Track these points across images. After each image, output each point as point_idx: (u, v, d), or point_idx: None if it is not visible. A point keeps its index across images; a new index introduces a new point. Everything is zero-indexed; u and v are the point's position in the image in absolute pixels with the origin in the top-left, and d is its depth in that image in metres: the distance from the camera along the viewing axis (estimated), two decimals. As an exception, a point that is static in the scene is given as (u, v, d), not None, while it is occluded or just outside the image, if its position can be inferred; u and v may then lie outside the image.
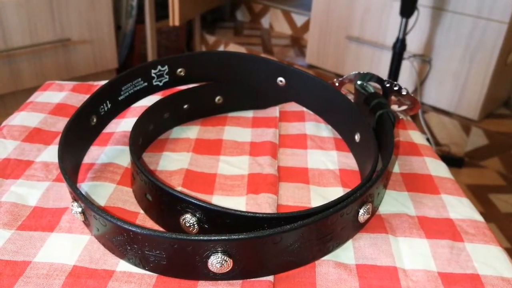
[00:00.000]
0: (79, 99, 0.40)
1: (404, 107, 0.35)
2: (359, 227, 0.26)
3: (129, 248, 0.22)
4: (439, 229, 0.26)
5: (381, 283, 0.23)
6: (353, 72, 0.34)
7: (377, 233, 0.26)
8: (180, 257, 0.21)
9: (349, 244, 0.25)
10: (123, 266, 0.23)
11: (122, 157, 0.32)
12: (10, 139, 0.33)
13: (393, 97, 0.34)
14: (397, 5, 0.82)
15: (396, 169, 0.32)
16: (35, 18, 0.90)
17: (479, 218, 0.28)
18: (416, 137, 0.37)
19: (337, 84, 0.36)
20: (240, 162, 0.32)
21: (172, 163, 0.32)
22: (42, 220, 0.26)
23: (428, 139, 0.82)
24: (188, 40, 1.34)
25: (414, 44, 0.90)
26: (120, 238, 0.22)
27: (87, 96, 0.33)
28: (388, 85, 0.33)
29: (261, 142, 0.35)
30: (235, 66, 0.35)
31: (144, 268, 0.23)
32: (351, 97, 0.36)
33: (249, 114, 0.39)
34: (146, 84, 0.33)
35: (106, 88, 0.31)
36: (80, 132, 0.29)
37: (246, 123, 0.38)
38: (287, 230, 0.21)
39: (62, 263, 0.23)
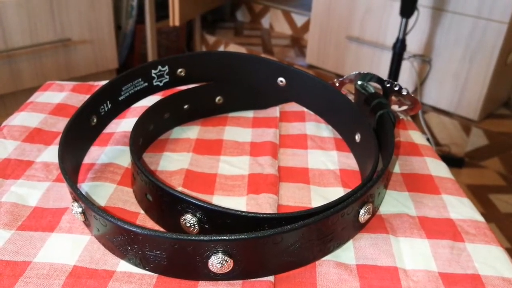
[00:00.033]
0: (79, 99, 0.40)
1: (404, 107, 0.35)
2: (359, 227, 0.26)
3: (129, 248, 0.22)
4: (440, 229, 0.26)
5: (381, 283, 0.22)
6: (354, 72, 0.34)
7: (378, 233, 0.26)
8: (181, 257, 0.21)
9: (349, 244, 0.25)
10: (124, 266, 0.23)
11: (123, 157, 0.32)
12: (11, 139, 0.33)
13: (393, 97, 0.34)
14: (397, 5, 0.82)
15: (397, 169, 0.32)
16: (35, 18, 0.90)
17: (480, 218, 0.27)
18: (417, 137, 0.37)
19: (337, 84, 0.36)
20: (241, 162, 0.32)
21: (172, 163, 0.32)
22: (42, 220, 0.26)
23: (428, 139, 0.82)
24: (188, 40, 1.34)
25: (414, 44, 0.90)
26: (121, 238, 0.22)
27: (88, 96, 0.33)
28: (388, 85, 0.33)
29: (262, 142, 0.35)
30: (235, 66, 0.35)
31: (144, 268, 0.23)
32: (351, 97, 0.36)
33: (250, 114, 0.39)
34: (146, 84, 0.33)
35: (106, 88, 0.31)
36: (80, 132, 0.29)
37: (246, 123, 0.38)
38: (288, 230, 0.21)
39: (62, 263, 0.23)
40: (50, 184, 0.29)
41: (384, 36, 0.95)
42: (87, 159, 0.31)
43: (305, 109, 0.39)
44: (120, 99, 0.32)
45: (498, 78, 0.86)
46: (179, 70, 0.34)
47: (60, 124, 0.36)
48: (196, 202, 0.23)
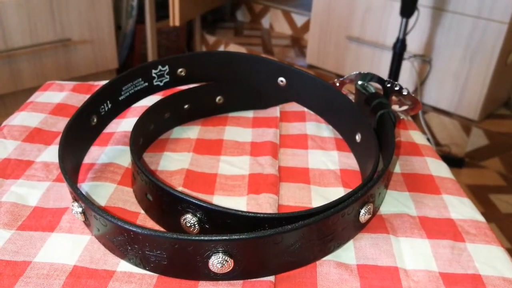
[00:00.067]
0: (79, 99, 0.40)
1: (405, 107, 0.35)
2: (360, 227, 0.26)
3: (129, 248, 0.22)
4: (440, 229, 0.26)
5: (382, 283, 0.22)
6: (354, 72, 0.34)
7: (378, 233, 0.26)
8: (181, 257, 0.21)
9: (350, 244, 0.25)
10: (124, 266, 0.23)
11: (123, 157, 0.32)
12: (11, 139, 0.33)
13: (394, 97, 0.34)
14: (397, 5, 0.82)
15: (397, 169, 0.32)
16: (35, 18, 0.90)
17: (480, 218, 0.27)
18: (417, 137, 0.36)
19: (337, 84, 0.36)
20: (241, 162, 0.32)
21: (172, 163, 0.32)
22: (42, 220, 0.26)
23: (428, 140, 0.82)
24: (188, 40, 1.34)
25: (414, 44, 0.90)
26: (121, 238, 0.22)
27: (88, 96, 0.33)
28: (389, 85, 0.33)
29: (262, 142, 0.35)
30: (235, 66, 0.35)
31: (144, 268, 0.23)
32: (351, 97, 0.36)
33: (250, 114, 0.39)
34: (146, 84, 0.33)
35: (106, 88, 0.31)
36: (80, 132, 0.29)
37: (246, 123, 0.38)
38: (288, 230, 0.21)
39: (62, 263, 0.23)
40: (50, 184, 0.29)
41: (384, 36, 0.95)
42: (87, 159, 0.31)
43: (305, 109, 0.39)
44: (120, 99, 0.32)
45: (498, 78, 0.86)
46: (180, 70, 0.34)
47: (60, 124, 0.36)
48: (197, 202, 0.23)
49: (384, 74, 0.92)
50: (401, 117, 0.36)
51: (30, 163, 0.31)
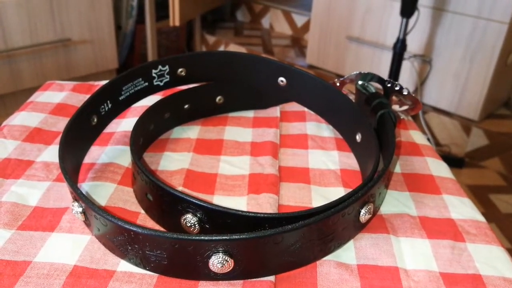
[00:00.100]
0: (79, 99, 0.40)
1: (405, 107, 0.35)
2: (360, 227, 0.26)
3: (130, 248, 0.22)
4: (441, 229, 0.26)
5: (382, 283, 0.22)
6: (354, 72, 0.34)
7: (379, 233, 0.26)
8: (181, 257, 0.21)
9: (350, 244, 0.25)
10: (124, 266, 0.23)
11: (123, 157, 0.32)
12: (11, 139, 0.33)
13: (394, 97, 0.34)
14: (397, 5, 0.82)
15: (398, 169, 0.32)
16: (35, 18, 0.90)
17: (481, 218, 0.27)
18: (417, 137, 0.36)
19: (338, 84, 0.36)
20: (241, 162, 0.32)
21: (173, 163, 0.32)
22: (42, 220, 0.26)
23: (428, 140, 0.82)
24: (188, 40, 1.34)
25: (414, 44, 0.90)
26: (121, 238, 0.22)
27: (88, 96, 0.33)
28: (389, 85, 0.33)
29: (262, 142, 0.35)
30: (235, 66, 0.35)
31: (145, 268, 0.23)
32: (352, 97, 0.36)
33: (250, 114, 0.39)
34: (146, 84, 0.33)
35: (106, 88, 0.31)
36: (80, 132, 0.29)
37: (247, 123, 0.38)
38: (288, 230, 0.21)
39: (62, 263, 0.23)
40: (50, 183, 0.29)
41: (385, 36, 0.95)
42: (87, 159, 0.31)
43: (305, 109, 0.39)
44: (120, 98, 0.32)
45: (498, 78, 0.86)
46: (180, 69, 0.34)
47: (61, 123, 0.36)
48: (197, 202, 0.23)
49: (384, 74, 0.92)
50: (402, 117, 0.36)
51: (30, 163, 0.31)
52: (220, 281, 0.22)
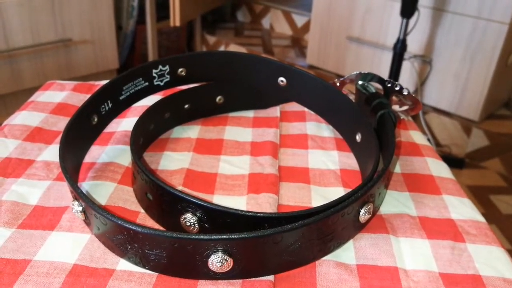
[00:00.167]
0: (80, 99, 0.40)
1: (405, 107, 0.35)
2: (360, 227, 0.26)
3: (129, 247, 0.22)
4: (441, 229, 0.26)
5: (382, 283, 0.22)
6: (354, 72, 0.34)
7: (378, 233, 0.26)
8: (181, 256, 0.21)
9: (350, 244, 0.25)
10: (124, 265, 0.23)
11: (123, 156, 0.32)
12: (12, 138, 0.33)
13: (394, 97, 0.34)
14: (397, 6, 0.82)
15: (397, 169, 0.32)
16: (36, 18, 0.90)
17: (481, 218, 0.27)
18: (417, 137, 0.36)
19: (338, 84, 0.36)
20: (241, 162, 0.32)
21: (173, 162, 0.32)
22: (42, 219, 0.26)
23: (429, 140, 0.82)
24: (188, 41, 1.34)
25: (414, 44, 0.90)
26: (121, 237, 0.22)
27: (88, 96, 0.33)
28: (389, 85, 0.33)
29: (262, 142, 0.35)
30: (236, 66, 0.35)
31: (144, 267, 0.23)
32: (352, 97, 0.36)
33: (250, 114, 0.39)
34: (147, 83, 0.33)
35: (107, 88, 0.31)
36: (81, 132, 0.29)
37: (247, 123, 0.38)
38: (288, 229, 0.21)
39: (62, 262, 0.23)
40: (50, 183, 0.29)
41: (385, 37, 0.95)
42: (87, 158, 0.31)
43: (305, 109, 0.39)
44: (120, 98, 0.32)
45: (498, 78, 0.86)
46: (180, 69, 0.34)
47: (61, 123, 0.36)
48: (196, 201, 0.23)
49: (385, 74, 0.92)
50: (402, 117, 0.36)
51: (30, 162, 0.31)
52: (219, 281, 0.22)
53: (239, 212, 0.23)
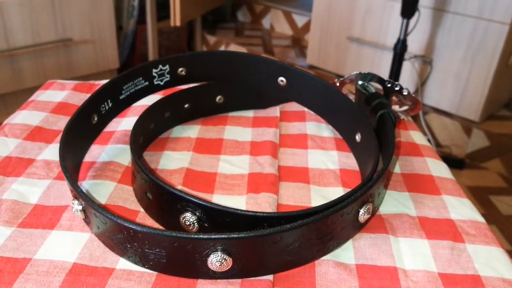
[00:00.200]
0: (80, 98, 0.40)
1: (405, 108, 0.35)
2: (359, 227, 0.26)
3: (129, 246, 0.22)
4: (440, 229, 0.26)
5: (381, 283, 0.22)
6: (354, 72, 0.34)
7: (378, 233, 0.26)
8: (180, 256, 0.21)
9: (349, 244, 0.25)
10: (123, 264, 0.23)
11: (123, 155, 0.32)
12: (12, 138, 0.33)
13: (394, 98, 0.34)
14: (398, 6, 0.82)
15: (397, 169, 0.32)
16: (37, 18, 0.90)
17: (480, 219, 0.27)
18: (417, 137, 0.37)
19: (338, 84, 0.36)
20: (241, 162, 0.32)
21: (172, 162, 0.32)
22: (42, 217, 0.26)
23: (429, 140, 0.82)
24: (189, 41, 1.34)
25: (415, 45, 0.90)
26: (120, 236, 0.22)
27: (88, 95, 0.33)
28: (389, 85, 0.33)
29: (262, 141, 0.35)
30: (236, 65, 0.35)
31: (144, 266, 0.23)
32: (352, 97, 0.36)
33: (250, 113, 0.39)
34: (147, 83, 0.33)
35: (107, 87, 0.31)
36: (81, 131, 0.29)
37: (246, 123, 0.38)
38: (287, 229, 0.21)
39: (62, 261, 0.23)
40: (50, 182, 0.29)
41: (385, 37, 0.95)
42: (87, 157, 0.31)
43: (305, 109, 0.39)
44: (121, 98, 0.32)
45: (499, 79, 0.85)
46: (180, 69, 0.34)
47: (61, 122, 0.36)
48: (196, 200, 0.23)
49: (385, 75, 0.92)
50: (401, 117, 0.36)
51: (31, 161, 0.31)
52: (219, 280, 0.22)
53: (239, 211, 0.23)
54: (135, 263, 0.23)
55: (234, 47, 1.24)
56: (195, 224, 0.24)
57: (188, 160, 0.32)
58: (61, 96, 0.40)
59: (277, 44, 1.25)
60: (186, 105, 0.36)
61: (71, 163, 0.27)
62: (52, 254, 0.23)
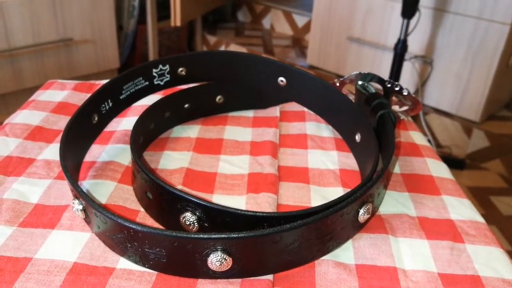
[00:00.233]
0: (80, 98, 0.40)
1: (405, 108, 0.35)
2: (359, 227, 0.26)
3: (129, 245, 0.22)
4: (440, 230, 0.26)
5: (380, 283, 0.22)
6: (354, 72, 0.34)
7: (377, 233, 0.26)
8: (180, 255, 0.21)
9: (349, 244, 0.25)
10: (123, 263, 0.23)
11: (123, 155, 0.32)
12: (12, 137, 0.33)
13: (394, 98, 0.34)
14: (398, 6, 0.82)
15: (397, 169, 0.32)
16: (37, 17, 0.90)
17: (480, 219, 0.27)
18: (417, 137, 0.37)
19: (338, 84, 0.36)
20: (241, 162, 0.32)
21: (172, 162, 0.32)
22: (43, 217, 0.26)
23: (429, 141, 0.82)
24: (189, 41, 1.34)
25: (415, 45, 0.90)
26: (121, 236, 0.22)
27: (89, 95, 0.33)
28: (389, 85, 0.33)
29: (262, 141, 0.35)
30: (236, 65, 0.35)
31: (144, 265, 0.23)
32: (352, 97, 0.36)
33: (250, 113, 0.39)
34: (147, 83, 0.33)
35: (107, 87, 0.31)
36: (81, 131, 0.29)
37: (246, 123, 0.38)
38: (287, 229, 0.21)
39: (63, 260, 0.23)
40: (51, 181, 0.29)
41: (385, 37, 0.95)
42: (88, 157, 0.31)
43: (305, 109, 0.40)
44: (121, 97, 0.32)
45: (500, 79, 0.85)
46: (180, 69, 0.34)
47: (62, 122, 0.36)
48: (196, 200, 0.23)
49: (385, 75, 0.92)
50: (401, 118, 0.36)
51: (31, 161, 0.31)
52: (219, 280, 0.22)
53: (239, 211, 0.23)
54: (136, 262, 0.23)
55: (234, 47, 1.24)
56: (195, 223, 0.24)
57: (188, 160, 0.32)
58: (62, 96, 0.40)
59: (277, 44, 1.25)
60: (186, 105, 0.36)
61: (72, 163, 0.27)
62: (52, 253, 0.23)
